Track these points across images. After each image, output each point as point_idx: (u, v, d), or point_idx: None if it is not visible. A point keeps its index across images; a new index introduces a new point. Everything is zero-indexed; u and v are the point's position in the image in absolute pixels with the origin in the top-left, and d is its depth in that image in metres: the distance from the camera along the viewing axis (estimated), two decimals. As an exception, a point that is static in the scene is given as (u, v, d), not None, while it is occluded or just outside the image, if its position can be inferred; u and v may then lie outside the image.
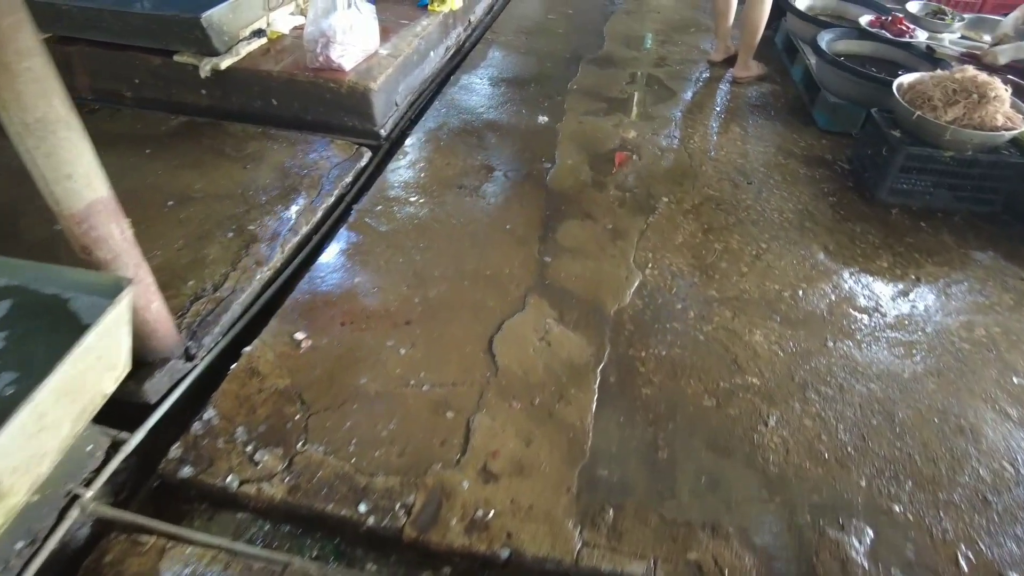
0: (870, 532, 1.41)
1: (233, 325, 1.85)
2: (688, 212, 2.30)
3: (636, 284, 2.00)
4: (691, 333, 1.85)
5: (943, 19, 3.17)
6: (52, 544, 1.30)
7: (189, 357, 1.73)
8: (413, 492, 1.44)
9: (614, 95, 3.06)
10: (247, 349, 1.75)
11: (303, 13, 2.98)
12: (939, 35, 3.09)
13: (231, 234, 2.10)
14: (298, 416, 1.59)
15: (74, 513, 1.37)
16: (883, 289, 2.03)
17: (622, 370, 1.74)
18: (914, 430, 1.62)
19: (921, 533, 1.41)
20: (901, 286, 2.04)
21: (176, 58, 2.62)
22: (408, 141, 2.62)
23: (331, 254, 2.07)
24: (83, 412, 1.33)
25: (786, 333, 1.87)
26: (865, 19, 3.07)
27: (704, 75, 3.28)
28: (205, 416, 1.59)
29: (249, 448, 1.53)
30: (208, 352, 1.77)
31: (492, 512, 1.40)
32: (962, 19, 3.19)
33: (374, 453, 1.52)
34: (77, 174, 1.28)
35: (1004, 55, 2.79)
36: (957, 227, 2.30)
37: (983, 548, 1.39)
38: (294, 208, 2.22)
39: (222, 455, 1.51)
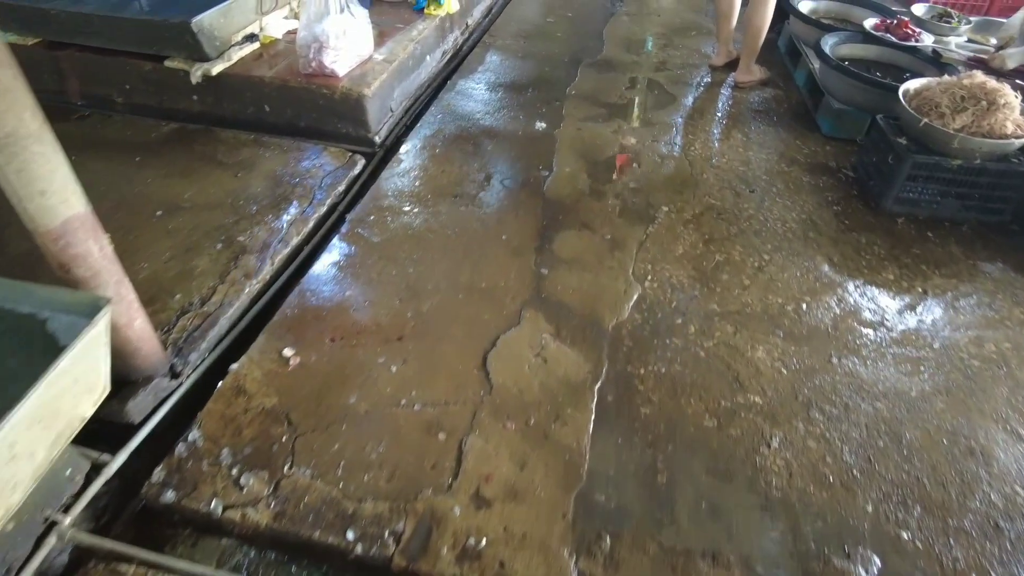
0: (877, 561, 1.36)
1: (220, 341, 1.80)
2: (689, 222, 2.25)
3: (635, 297, 1.94)
4: (691, 349, 1.79)
5: (949, 22, 3.11)
6: (28, 574, 1.26)
7: (174, 374, 1.68)
8: (403, 519, 1.38)
9: (613, 100, 3.00)
10: (234, 366, 1.70)
11: (297, 17, 2.92)
12: (945, 38, 3.03)
13: (220, 245, 2.05)
14: (285, 437, 1.54)
15: (51, 541, 1.32)
16: (889, 303, 1.97)
17: (620, 388, 1.68)
18: (922, 452, 1.56)
19: (931, 562, 1.36)
20: (908, 299, 1.98)
21: (167, 63, 2.57)
22: (403, 148, 2.57)
23: (322, 266, 2.02)
24: (59, 437, 1.28)
25: (789, 349, 1.81)
26: (870, 22, 3.01)
27: (705, 80, 3.23)
28: (190, 437, 1.54)
29: (234, 471, 1.48)
30: (194, 369, 1.72)
31: (484, 540, 1.35)
32: (968, 22, 3.12)
33: (363, 477, 1.46)
34: (51, 190, 1.23)
35: (1012, 59, 2.73)
36: (965, 237, 2.24)
37: (995, 579, 1.33)
38: (285, 218, 2.17)
39: (206, 479, 1.47)
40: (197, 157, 2.47)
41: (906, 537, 1.39)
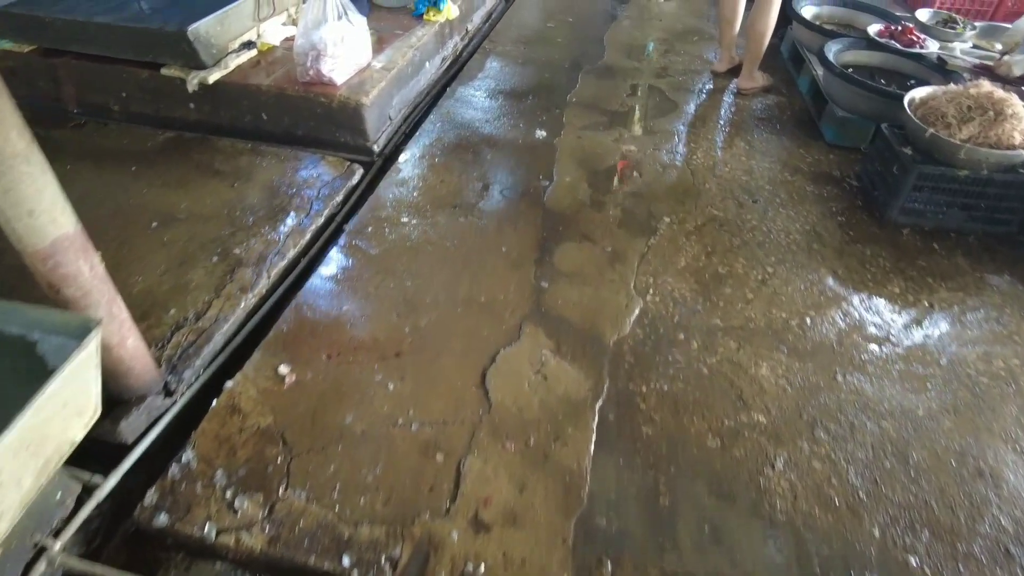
0: (885, 588, 1.33)
1: (215, 357, 1.77)
2: (691, 233, 2.22)
3: (636, 312, 1.91)
4: (694, 366, 1.76)
5: (954, 28, 3.07)
6: (16, 602, 1.23)
7: (168, 393, 1.65)
8: (399, 544, 1.36)
9: (614, 108, 2.97)
10: (229, 384, 1.67)
11: (295, 24, 2.90)
12: (950, 44, 2.99)
13: (216, 258, 2.02)
14: (280, 458, 1.52)
15: (41, 567, 1.29)
16: (895, 317, 1.94)
17: (622, 407, 1.65)
18: (930, 473, 1.53)
19: (939, 590, 1.33)
20: (914, 313, 1.95)
21: (164, 71, 2.55)
22: (402, 157, 2.54)
23: (319, 279, 1.99)
24: (48, 463, 1.25)
25: (794, 366, 1.78)
26: (874, 29, 2.97)
27: (707, 86, 3.19)
28: (183, 458, 1.51)
29: (228, 493, 1.45)
30: (188, 387, 1.69)
31: (483, 566, 1.32)
32: (974, 28, 3.09)
33: (359, 500, 1.44)
34: (39, 210, 1.20)
35: (1019, 66, 2.69)
36: (972, 249, 2.20)
37: (1006, 607, 1.30)
38: (282, 229, 2.15)
39: (200, 501, 1.44)
40: (194, 166, 2.44)
41: (914, 563, 1.36)
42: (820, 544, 1.39)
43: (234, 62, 2.59)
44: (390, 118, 2.71)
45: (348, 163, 2.47)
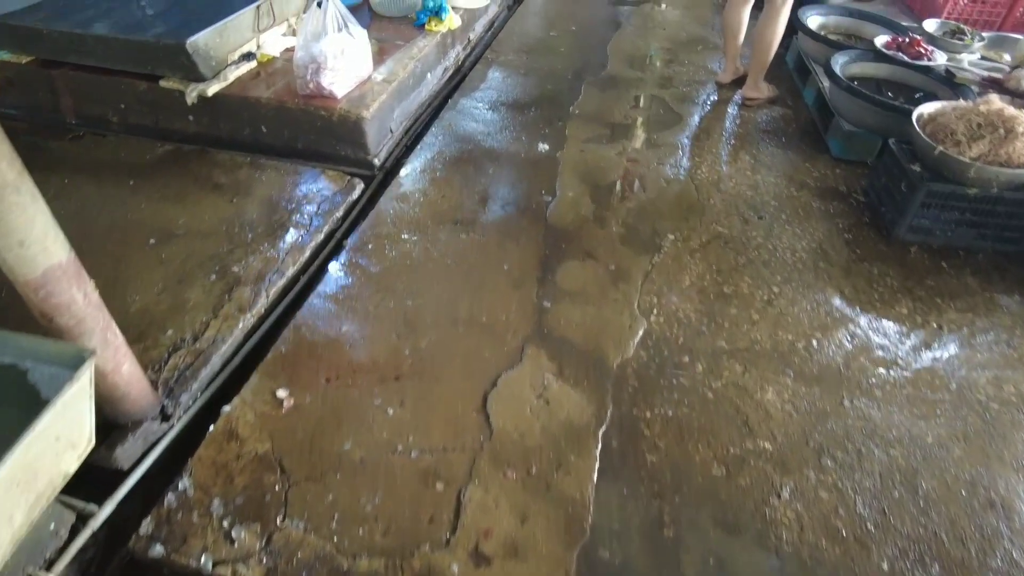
0: (894, 626, 1.30)
1: (212, 380, 1.75)
2: (695, 251, 2.19)
3: (640, 333, 1.88)
4: (699, 390, 1.73)
5: (962, 39, 3.04)
6: (8, 638, 1.21)
7: (165, 417, 1.63)
8: (398, 577, 1.33)
9: (618, 120, 2.94)
10: (226, 408, 1.65)
11: (295, 34, 2.87)
12: (958, 56, 2.96)
13: (214, 276, 2.00)
14: (278, 486, 1.49)
15: (33, 601, 1.27)
16: (903, 339, 1.90)
17: (625, 433, 1.62)
18: (940, 504, 1.50)
19: (950, 628, 1.30)
20: (922, 335, 1.92)
21: (162, 83, 2.52)
22: (402, 172, 2.51)
23: (318, 298, 1.97)
24: (39, 498, 1.22)
25: (800, 390, 1.75)
26: (881, 40, 2.94)
27: (712, 98, 3.16)
28: (180, 486, 1.49)
29: (225, 523, 1.43)
30: (185, 411, 1.66)
31: (483, 602, 1.29)
32: (982, 38, 3.05)
33: (357, 531, 1.41)
34: (30, 240, 1.18)
35: (1028, 79, 2.66)
36: (981, 267, 2.17)
37: (1019, 648, 1.27)
38: (281, 246, 2.12)
39: (196, 531, 1.41)
40: (192, 180, 2.42)
41: (924, 600, 1.33)
42: (828, 579, 1.36)
43: (233, 74, 2.56)
44: (391, 131, 2.68)
45: (348, 177, 2.44)
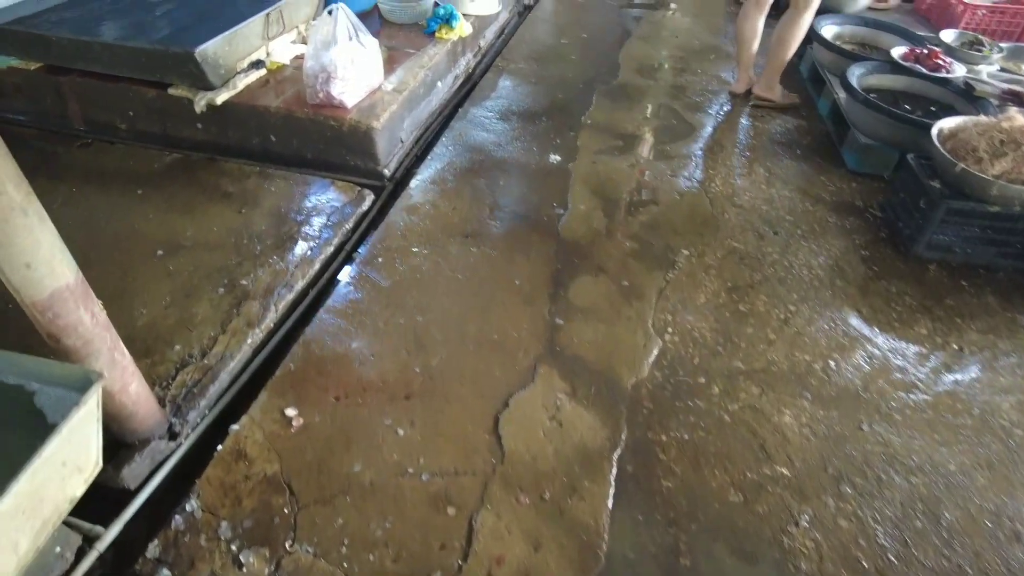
0: (918, 664, 1.26)
1: (220, 397, 1.72)
2: (710, 267, 2.15)
3: (655, 353, 1.85)
4: (715, 413, 1.70)
5: (980, 50, 2.99)
6: (11, 666, 1.18)
7: (172, 435, 1.60)
8: (409, 607, 1.30)
9: (630, 131, 2.90)
10: (234, 427, 1.62)
11: (305, 42, 2.85)
12: (976, 67, 2.91)
13: (222, 290, 1.97)
14: (286, 509, 1.46)
15: (38, 627, 1.25)
16: (922, 361, 1.86)
17: (641, 457, 1.59)
18: (963, 536, 1.46)
19: (976, 667, 1.26)
20: (942, 357, 1.88)
21: (171, 91, 2.50)
22: (412, 183, 2.49)
23: (328, 314, 1.94)
24: (45, 524, 1.20)
25: (818, 414, 1.71)
26: (899, 52, 2.89)
27: (725, 108, 3.12)
28: (187, 507, 1.46)
29: (234, 547, 1.40)
30: (193, 429, 1.64)
31: (496, 634, 1.26)
32: (1000, 50, 3.01)
33: (368, 557, 1.38)
34: (36, 262, 1.15)
35: (1048, 93, 2.61)
36: (1002, 286, 2.13)
37: None
38: (290, 259, 2.09)
39: (204, 555, 1.39)
40: (200, 190, 2.39)
41: (949, 637, 1.30)
42: (849, 613, 1.33)
43: (243, 82, 2.54)
44: (401, 141, 2.65)
45: (358, 188, 2.41)
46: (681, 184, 2.56)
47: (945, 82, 2.72)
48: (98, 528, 1.41)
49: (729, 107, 3.12)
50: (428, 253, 2.17)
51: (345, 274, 2.09)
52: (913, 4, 3.86)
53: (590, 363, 1.82)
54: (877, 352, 1.89)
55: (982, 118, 2.21)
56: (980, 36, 3.10)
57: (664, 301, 2.02)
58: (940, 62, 2.77)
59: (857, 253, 2.25)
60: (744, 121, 3.03)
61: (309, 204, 2.33)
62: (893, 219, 2.35)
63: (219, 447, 1.58)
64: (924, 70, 2.76)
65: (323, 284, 2.07)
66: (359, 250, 2.18)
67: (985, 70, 2.89)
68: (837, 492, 1.54)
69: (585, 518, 1.46)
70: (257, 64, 2.62)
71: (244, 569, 1.36)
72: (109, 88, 2.59)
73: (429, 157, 2.65)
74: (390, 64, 2.76)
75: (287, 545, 1.40)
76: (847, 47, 3.17)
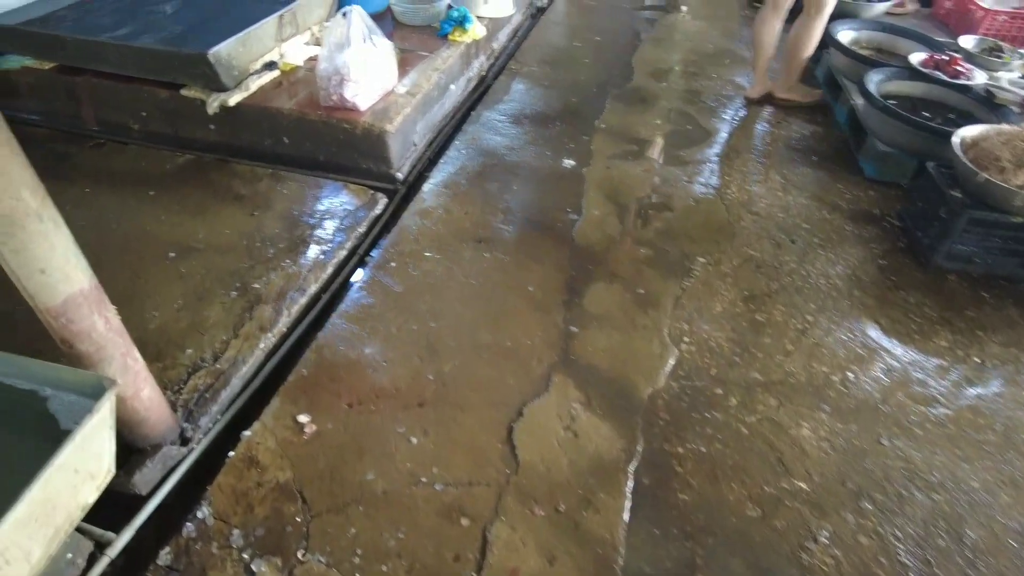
0: None
1: (233, 402, 1.71)
2: (726, 276, 2.12)
3: (671, 363, 1.83)
4: (733, 425, 1.67)
5: (1000, 57, 2.95)
6: (21, 674, 1.17)
7: (184, 441, 1.59)
8: (422, 620, 1.28)
9: (644, 135, 2.87)
10: (246, 433, 1.61)
11: (319, 43, 2.84)
12: (996, 74, 2.87)
13: (234, 293, 1.96)
14: (299, 518, 1.45)
15: (49, 635, 1.23)
16: (943, 375, 1.83)
17: (657, 470, 1.57)
18: (987, 555, 1.43)
19: None
20: (963, 371, 1.85)
21: (183, 92, 2.50)
22: (425, 187, 2.47)
23: (340, 318, 1.93)
24: (58, 532, 1.19)
25: (836, 427, 1.68)
26: (918, 58, 2.85)
27: (740, 113, 3.08)
28: (199, 514, 1.45)
29: (246, 555, 1.39)
30: (205, 435, 1.62)
31: (510, 650, 1.24)
32: (1020, 56, 2.96)
33: (381, 567, 1.37)
34: (51, 268, 1.14)
35: (1070, 101, 2.57)
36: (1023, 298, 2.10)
37: None
38: (303, 263, 2.08)
39: (216, 563, 1.38)
40: (212, 192, 2.39)
41: (974, 660, 1.27)
42: (871, 634, 1.30)
43: (255, 84, 2.53)
44: (414, 144, 2.64)
45: (371, 192, 2.40)
46: (696, 190, 2.53)
47: (965, 89, 2.68)
48: (109, 534, 1.40)
49: (744, 112, 3.08)
50: (441, 258, 2.15)
51: (358, 278, 2.08)
52: (931, 9, 3.81)
53: (605, 372, 1.80)
54: (896, 364, 1.86)
55: (1005, 126, 2.18)
56: (1000, 42, 3.06)
57: (680, 310, 1.99)
58: (960, 68, 2.73)
59: (875, 263, 2.21)
60: (760, 127, 2.99)
61: (322, 207, 2.32)
62: (912, 228, 2.32)
63: (231, 453, 1.57)
64: (944, 77, 2.73)
65: (336, 288, 2.06)
66: (372, 254, 2.16)
67: (1005, 77, 2.84)
68: (857, 508, 1.52)
69: (601, 531, 1.44)
70: (270, 66, 2.61)
71: (256, 579, 1.35)
72: (122, 89, 2.59)
73: (442, 161, 2.63)
74: (403, 66, 2.74)
75: (299, 554, 1.39)
76: (864, 52, 3.13)
